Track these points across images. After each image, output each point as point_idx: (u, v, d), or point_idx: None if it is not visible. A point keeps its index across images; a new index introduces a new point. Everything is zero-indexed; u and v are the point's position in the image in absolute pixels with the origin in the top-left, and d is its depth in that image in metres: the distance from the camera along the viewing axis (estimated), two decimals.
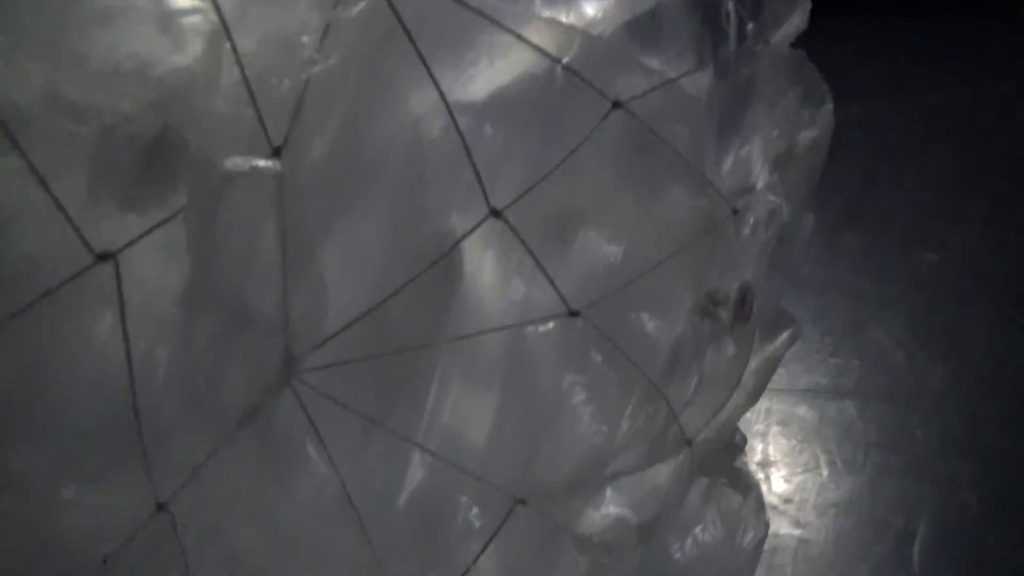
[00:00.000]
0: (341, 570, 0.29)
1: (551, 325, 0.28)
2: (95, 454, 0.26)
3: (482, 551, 0.31)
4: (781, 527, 0.90)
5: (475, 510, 0.30)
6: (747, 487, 0.43)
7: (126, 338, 0.24)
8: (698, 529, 0.41)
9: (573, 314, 0.28)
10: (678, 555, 0.41)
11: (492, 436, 0.30)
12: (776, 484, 0.92)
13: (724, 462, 0.43)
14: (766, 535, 0.44)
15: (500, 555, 0.32)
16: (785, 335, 0.45)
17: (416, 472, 0.29)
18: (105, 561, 0.26)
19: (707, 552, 0.41)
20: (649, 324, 0.30)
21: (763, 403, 0.93)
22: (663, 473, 0.35)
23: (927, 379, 0.95)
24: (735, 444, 0.44)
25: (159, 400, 0.26)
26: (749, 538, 0.42)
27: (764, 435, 0.95)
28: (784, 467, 0.98)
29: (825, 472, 0.92)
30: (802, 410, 0.95)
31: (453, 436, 0.29)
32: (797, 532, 0.90)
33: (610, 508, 0.34)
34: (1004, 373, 0.97)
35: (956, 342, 0.96)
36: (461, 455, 0.30)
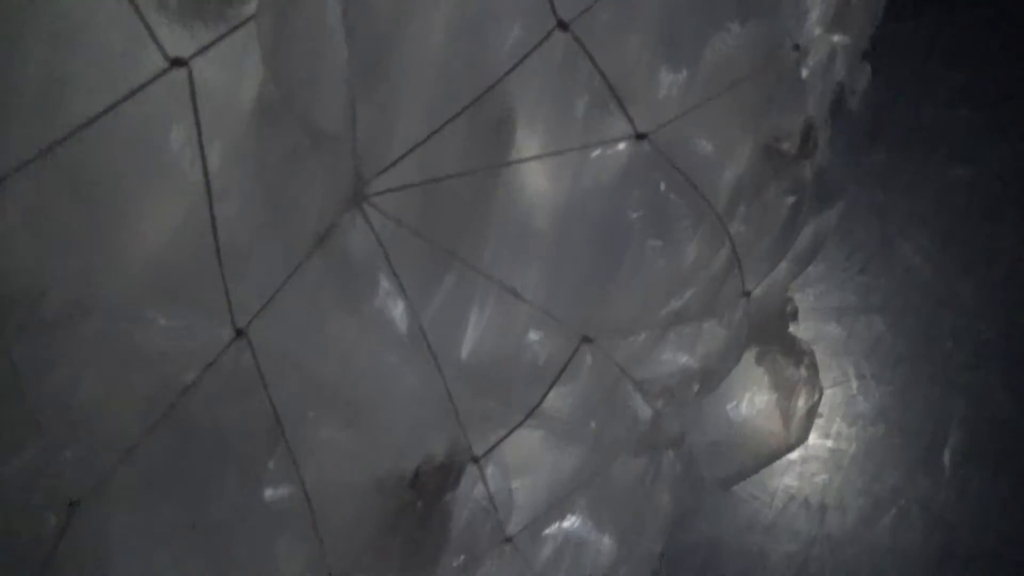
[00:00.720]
0: (412, 400, 0.29)
1: (619, 147, 0.28)
2: (173, 273, 0.26)
3: (549, 388, 0.31)
4: (811, 438, 0.91)
5: (542, 347, 0.31)
6: (800, 354, 0.43)
7: (201, 148, 0.24)
8: (753, 391, 0.42)
9: (640, 136, 0.28)
10: (732, 414, 0.41)
11: (557, 268, 0.30)
12: None
13: (778, 330, 0.43)
14: (820, 400, 0.44)
15: (567, 397, 0.33)
16: (839, 205, 0.44)
17: (484, 306, 0.29)
18: (187, 388, 0.27)
19: (761, 414, 0.42)
20: (713, 155, 0.30)
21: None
22: (723, 323, 0.35)
23: (957, 291, 0.94)
24: (787, 313, 0.44)
25: (234, 218, 0.25)
26: (802, 402, 0.42)
27: None
28: None
29: (854, 385, 0.92)
30: (830, 327, 0.94)
31: (518, 268, 0.29)
32: (828, 443, 0.91)
33: (672, 354, 0.34)
34: None
35: (986, 253, 0.95)
36: (527, 289, 0.30)
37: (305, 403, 0.28)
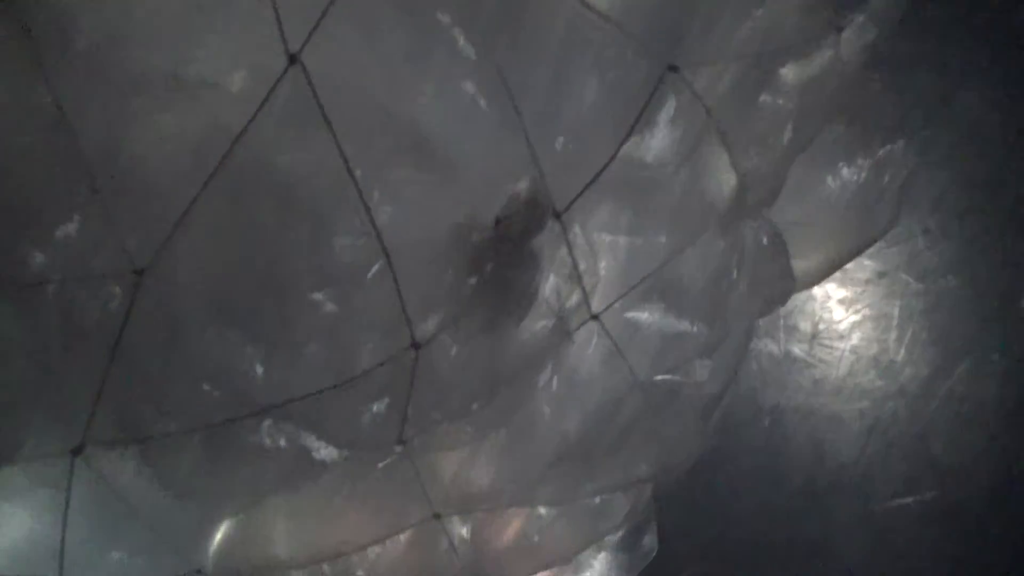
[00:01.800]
0: (488, 139, 0.27)
1: None
2: None
3: (636, 121, 0.28)
4: (876, 298, 0.87)
5: (623, 74, 0.28)
6: (889, 128, 0.40)
7: None
8: (839, 165, 0.38)
9: None
10: (823, 191, 0.38)
11: None
12: (867, 257, 0.89)
13: (863, 103, 0.40)
14: (910, 179, 0.41)
15: (650, 141, 0.30)
16: None
17: (556, 26, 0.27)
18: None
19: (853, 190, 0.38)
20: None
21: None
22: (813, 62, 0.32)
23: None
24: (871, 89, 0.40)
25: None
26: (890, 177, 0.39)
27: None
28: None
29: (920, 241, 0.88)
30: None
31: None
32: (896, 301, 0.87)
33: (763, 95, 0.31)
34: None
35: None
36: (604, 8, 0.27)
37: (371, 142, 0.26)
